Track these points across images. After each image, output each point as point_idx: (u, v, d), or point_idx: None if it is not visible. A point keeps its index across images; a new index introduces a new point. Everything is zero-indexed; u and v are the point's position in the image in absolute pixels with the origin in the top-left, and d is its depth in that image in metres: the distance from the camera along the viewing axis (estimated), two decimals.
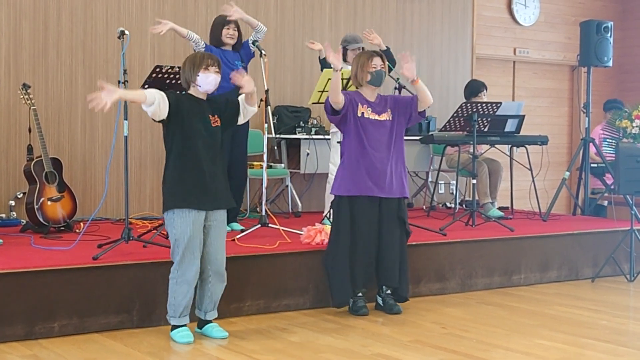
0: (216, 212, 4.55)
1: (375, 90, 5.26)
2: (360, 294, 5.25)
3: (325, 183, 6.90)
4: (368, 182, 5.15)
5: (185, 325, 4.53)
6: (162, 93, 4.42)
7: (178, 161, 4.49)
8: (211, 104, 4.63)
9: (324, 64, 6.48)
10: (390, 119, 5.23)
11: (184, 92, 4.63)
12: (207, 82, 4.52)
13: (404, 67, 5.13)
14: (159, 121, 4.48)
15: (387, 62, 5.32)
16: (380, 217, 5.21)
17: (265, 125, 6.01)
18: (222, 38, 6.14)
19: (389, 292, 5.32)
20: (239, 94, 4.71)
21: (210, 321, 4.64)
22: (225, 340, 4.53)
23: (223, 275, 4.60)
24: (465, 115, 6.92)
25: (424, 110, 5.30)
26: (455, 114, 6.97)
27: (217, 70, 4.55)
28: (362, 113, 5.17)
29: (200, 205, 4.46)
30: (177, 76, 5.40)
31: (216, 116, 4.61)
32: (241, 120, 4.72)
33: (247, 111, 4.71)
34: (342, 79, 6.06)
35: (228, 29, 6.15)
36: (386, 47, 6.67)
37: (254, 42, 6.21)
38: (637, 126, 7.66)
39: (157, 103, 4.36)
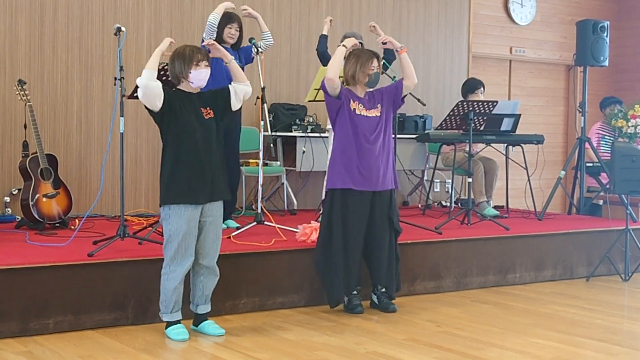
0: (213, 206, 4.54)
1: (362, 87, 5.28)
2: (355, 292, 5.25)
3: (321, 180, 6.90)
4: (360, 177, 5.14)
5: (179, 322, 4.53)
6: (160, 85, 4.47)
7: (174, 156, 4.50)
8: (202, 96, 4.64)
9: (323, 44, 6.50)
10: (379, 114, 5.23)
11: (173, 89, 4.62)
12: (199, 78, 4.54)
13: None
14: (151, 113, 4.49)
15: (381, 62, 5.35)
16: (372, 214, 5.20)
17: (262, 123, 6.01)
18: (224, 36, 6.13)
19: (383, 290, 5.32)
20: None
21: (205, 318, 4.64)
22: (221, 337, 4.53)
23: (215, 270, 4.60)
24: (462, 113, 6.92)
25: (404, 97, 5.32)
26: (451, 113, 6.97)
27: (207, 64, 4.56)
28: (354, 109, 5.18)
29: (197, 200, 4.46)
30: None
31: (208, 108, 4.61)
32: (236, 105, 4.70)
33: (240, 92, 4.69)
34: (339, 77, 6.07)
35: (230, 28, 6.15)
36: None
37: (250, 39, 6.20)
38: (632, 126, 7.67)
39: (155, 85, 4.40)
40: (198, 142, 4.48)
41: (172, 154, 4.50)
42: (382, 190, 5.21)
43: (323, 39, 6.60)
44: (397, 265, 5.36)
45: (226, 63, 4.74)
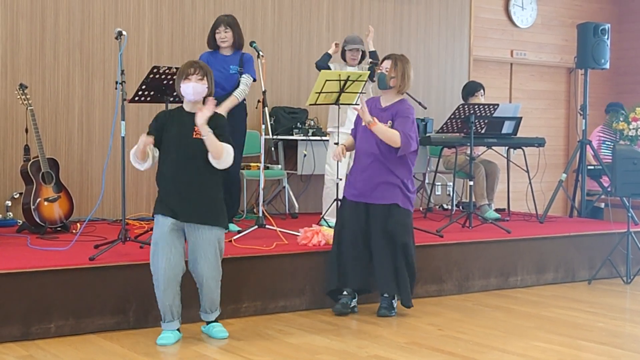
0: (197, 230, 4.48)
1: (391, 95, 5.30)
2: (344, 293, 5.30)
3: (323, 184, 6.90)
4: (353, 188, 5.31)
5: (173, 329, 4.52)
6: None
7: (159, 169, 4.57)
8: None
9: (324, 61, 6.54)
10: (389, 127, 5.24)
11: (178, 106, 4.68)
12: (186, 92, 4.51)
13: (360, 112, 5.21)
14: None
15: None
16: (367, 225, 5.25)
17: (263, 127, 6.01)
18: (217, 43, 6.13)
19: (386, 295, 5.29)
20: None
21: (214, 320, 4.65)
22: (222, 341, 4.53)
23: (209, 287, 4.54)
24: (463, 117, 6.92)
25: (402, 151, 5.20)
26: (452, 116, 6.97)
27: (200, 77, 4.48)
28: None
29: (169, 212, 4.46)
30: (174, 77, 5.38)
31: None
32: (212, 162, 4.46)
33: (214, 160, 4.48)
34: (340, 80, 6.07)
35: (219, 32, 6.12)
36: (374, 49, 6.73)
37: (251, 43, 6.18)
38: (634, 128, 7.67)
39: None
40: (177, 159, 4.48)
41: (158, 167, 4.58)
42: (375, 203, 5.22)
43: (326, 56, 6.62)
44: (409, 278, 5.25)
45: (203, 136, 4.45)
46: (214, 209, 4.55)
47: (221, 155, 4.44)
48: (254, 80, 6.15)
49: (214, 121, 4.46)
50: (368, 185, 5.23)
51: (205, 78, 4.51)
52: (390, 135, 5.13)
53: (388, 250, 5.19)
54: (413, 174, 5.40)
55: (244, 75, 6.08)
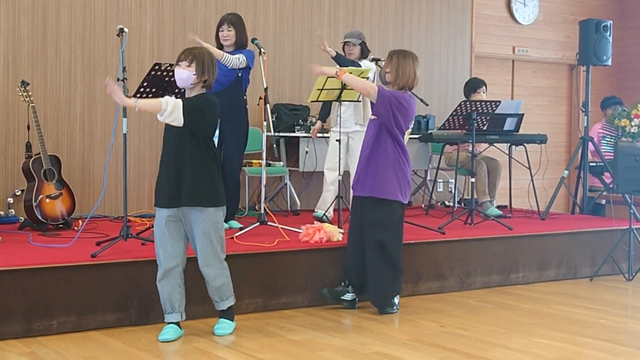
0: (189, 212, 4.45)
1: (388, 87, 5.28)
2: (342, 284, 5.33)
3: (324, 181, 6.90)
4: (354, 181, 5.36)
5: (172, 323, 4.52)
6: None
7: (160, 160, 4.56)
8: None
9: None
10: (375, 117, 5.19)
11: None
12: (177, 77, 4.48)
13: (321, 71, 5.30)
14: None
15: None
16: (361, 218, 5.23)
17: (265, 123, 6.01)
18: (220, 41, 6.16)
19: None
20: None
21: (225, 315, 4.63)
22: (223, 337, 4.53)
23: (206, 274, 4.53)
24: (464, 113, 6.92)
25: (374, 105, 5.13)
26: (454, 113, 6.97)
27: (188, 64, 4.41)
28: None
29: (163, 202, 4.45)
30: None
31: None
32: (161, 119, 4.38)
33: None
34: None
35: (222, 30, 6.17)
36: (335, 52, 6.61)
37: (253, 40, 6.20)
38: (635, 125, 7.66)
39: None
40: (166, 149, 4.48)
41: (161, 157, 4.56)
42: (360, 195, 5.22)
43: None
44: (387, 273, 5.15)
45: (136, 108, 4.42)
46: (202, 189, 4.42)
47: (159, 105, 4.30)
48: (248, 66, 6.11)
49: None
50: (359, 176, 5.25)
51: (193, 64, 4.42)
52: (362, 83, 5.22)
53: (367, 244, 5.17)
54: (415, 171, 5.40)
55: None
